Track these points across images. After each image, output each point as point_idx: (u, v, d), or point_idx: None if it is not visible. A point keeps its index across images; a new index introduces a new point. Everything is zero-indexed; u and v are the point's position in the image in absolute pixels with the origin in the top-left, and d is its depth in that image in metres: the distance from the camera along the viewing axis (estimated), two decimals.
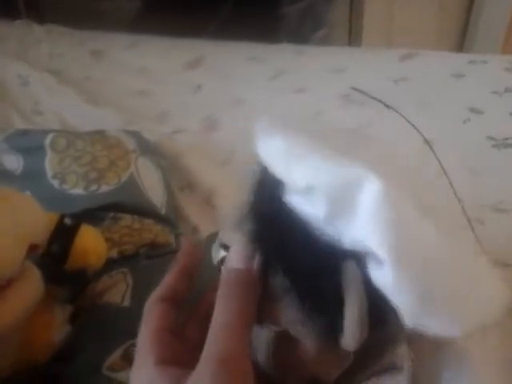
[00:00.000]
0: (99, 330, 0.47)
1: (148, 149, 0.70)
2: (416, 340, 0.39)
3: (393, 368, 0.37)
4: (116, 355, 0.44)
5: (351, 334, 0.24)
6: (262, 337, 0.29)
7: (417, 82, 0.88)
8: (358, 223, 0.23)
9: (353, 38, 1.37)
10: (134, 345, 0.44)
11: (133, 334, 0.44)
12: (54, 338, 0.45)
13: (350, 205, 0.23)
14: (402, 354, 0.39)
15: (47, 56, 1.01)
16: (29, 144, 0.64)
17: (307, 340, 0.27)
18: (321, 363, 0.29)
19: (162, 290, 0.29)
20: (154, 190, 0.64)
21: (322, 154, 0.25)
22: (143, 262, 0.54)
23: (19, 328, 0.40)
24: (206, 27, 1.28)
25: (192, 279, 0.30)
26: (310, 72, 0.94)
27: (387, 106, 0.78)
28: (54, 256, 0.44)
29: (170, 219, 0.64)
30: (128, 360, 0.44)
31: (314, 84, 0.91)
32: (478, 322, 0.23)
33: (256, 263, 0.26)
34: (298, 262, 0.25)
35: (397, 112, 0.75)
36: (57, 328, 0.45)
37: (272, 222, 0.26)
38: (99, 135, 0.66)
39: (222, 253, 0.29)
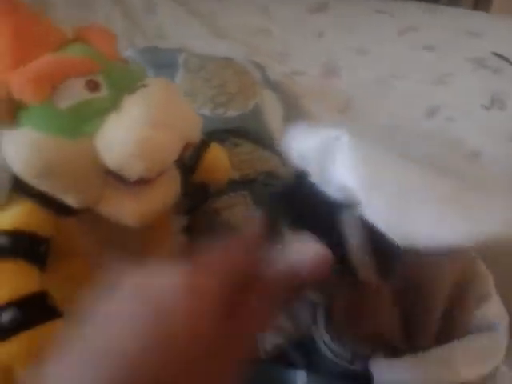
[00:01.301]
0: None
1: (271, 84, 0.69)
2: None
3: (489, 327, 0.35)
4: None
5: (358, 263, 0.29)
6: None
7: None
8: (337, 170, 0.29)
9: (480, 2, 1.26)
10: None
11: None
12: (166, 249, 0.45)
13: (331, 157, 0.30)
14: (498, 312, 0.36)
15: None
16: (162, 60, 0.65)
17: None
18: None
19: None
20: (275, 123, 0.63)
21: None
22: (262, 187, 0.54)
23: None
24: None
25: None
26: (441, 31, 0.89)
27: None
28: (184, 166, 0.44)
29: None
30: None
31: (445, 44, 0.85)
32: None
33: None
34: (317, 223, 0.30)
35: None
36: (170, 238, 0.46)
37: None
38: (228, 61, 0.66)
39: None
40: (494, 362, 0.34)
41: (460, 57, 0.82)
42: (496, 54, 0.82)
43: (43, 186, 0.32)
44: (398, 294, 0.34)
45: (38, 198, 0.33)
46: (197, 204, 0.51)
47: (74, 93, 0.31)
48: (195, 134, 0.37)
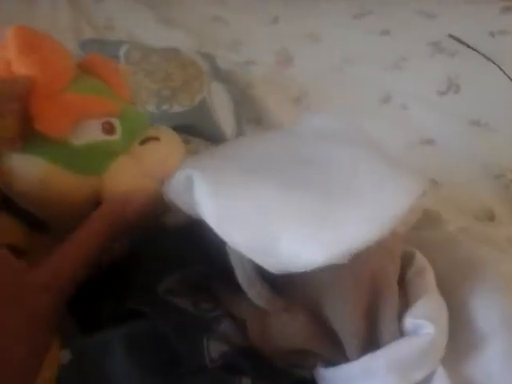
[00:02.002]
0: (156, 251, 0.45)
1: (220, 75, 0.67)
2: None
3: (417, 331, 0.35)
4: (173, 278, 0.42)
5: (247, 289, 0.34)
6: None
7: None
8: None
9: None
10: (193, 272, 0.42)
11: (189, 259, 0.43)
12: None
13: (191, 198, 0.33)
14: (431, 312, 0.36)
15: None
16: (104, 52, 0.62)
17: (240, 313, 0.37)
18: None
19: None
20: (224, 117, 0.61)
21: None
22: None
23: None
24: None
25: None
26: (397, 14, 0.87)
27: (486, 58, 0.71)
28: None
29: None
30: (185, 285, 0.42)
31: (401, 27, 0.84)
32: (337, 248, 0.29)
33: None
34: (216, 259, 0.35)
35: (495, 64, 0.68)
36: None
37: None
38: (173, 52, 0.64)
39: None
40: (426, 369, 0.33)
41: (417, 41, 0.81)
42: (452, 37, 0.81)
43: (33, 206, 0.34)
44: (311, 307, 0.34)
45: (17, 212, 0.35)
46: None
47: (91, 133, 0.33)
48: None
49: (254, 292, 0.34)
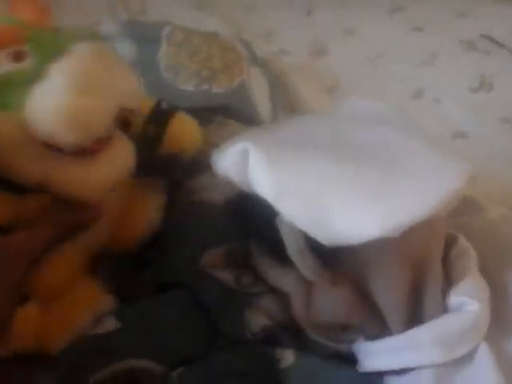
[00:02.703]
0: (199, 226, 0.46)
1: (258, 61, 0.68)
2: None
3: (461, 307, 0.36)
4: (216, 252, 0.43)
5: (298, 261, 0.35)
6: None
7: None
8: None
9: None
10: (235, 248, 0.43)
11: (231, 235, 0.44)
12: (144, 224, 0.44)
13: (245, 172, 0.34)
14: (474, 290, 0.37)
15: None
16: (145, 33, 0.63)
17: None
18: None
19: None
20: (262, 101, 0.62)
21: None
22: None
23: (113, 204, 0.40)
24: None
25: None
26: (432, 12, 0.88)
27: None
28: (148, 138, 0.43)
29: None
30: (228, 260, 0.43)
31: (435, 24, 0.84)
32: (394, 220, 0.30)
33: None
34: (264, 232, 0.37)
35: None
36: (147, 214, 0.45)
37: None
38: (214, 36, 0.64)
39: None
40: (469, 344, 0.34)
41: (449, 38, 0.81)
42: (485, 36, 0.81)
43: None
44: (355, 281, 0.35)
45: None
46: (172, 184, 0.50)
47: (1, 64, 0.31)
48: (133, 101, 0.36)
49: (305, 264, 0.35)
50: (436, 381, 0.33)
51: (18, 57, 0.32)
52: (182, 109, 0.46)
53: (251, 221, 0.39)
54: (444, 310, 0.35)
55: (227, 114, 0.57)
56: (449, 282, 0.37)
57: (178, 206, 0.47)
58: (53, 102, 0.30)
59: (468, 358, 0.34)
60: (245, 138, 0.35)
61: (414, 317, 0.35)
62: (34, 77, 0.31)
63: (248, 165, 0.34)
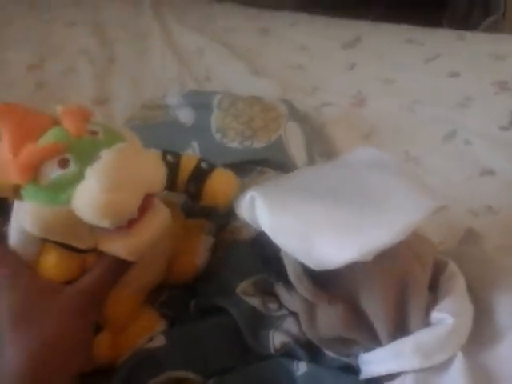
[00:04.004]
0: (234, 261, 0.55)
1: (297, 116, 0.77)
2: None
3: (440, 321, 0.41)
4: (247, 282, 0.52)
5: (296, 285, 0.44)
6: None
7: None
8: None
9: None
10: (262, 279, 0.52)
11: (259, 268, 0.53)
12: (197, 262, 0.54)
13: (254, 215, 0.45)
14: (457, 309, 0.42)
15: (222, 30, 1.14)
16: (200, 102, 0.76)
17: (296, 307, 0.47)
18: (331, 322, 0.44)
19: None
20: (297, 152, 0.71)
21: None
22: None
23: (164, 251, 0.50)
24: (369, 9, 1.32)
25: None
26: (468, 56, 0.93)
27: None
28: (190, 194, 0.52)
29: None
30: (256, 288, 0.52)
31: (470, 69, 0.90)
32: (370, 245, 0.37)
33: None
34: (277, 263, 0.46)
35: None
36: (200, 254, 0.54)
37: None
38: (257, 99, 0.76)
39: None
40: (445, 353, 0.40)
41: (483, 81, 0.86)
42: None
43: (51, 239, 0.42)
44: (349, 300, 0.42)
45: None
46: (220, 225, 0.59)
47: (50, 171, 0.40)
48: (156, 186, 0.43)
49: (302, 287, 0.43)
50: None
51: (63, 164, 0.40)
52: (226, 164, 0.56)
53: (269, 254, 0.48)
54: (427, 325, 0.42)
55: (266, 165, 0.68)
56: (437, 301, 0.43)
57: (220, 244, 0.57)
58: (89, 199, 0.38)
59: (445, 365, 0.40)
60: (255, 188, 0.45)
61: (401, 329, 0.42)
62: (76, 179, 0.39)
63: (255, 209, 0.43)
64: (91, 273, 0.43)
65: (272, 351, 0.47)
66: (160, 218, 0.44)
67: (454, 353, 0.40)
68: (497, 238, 0.55)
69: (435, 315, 0.41)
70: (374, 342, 0.43)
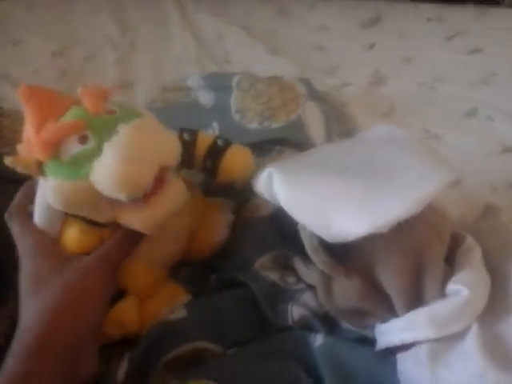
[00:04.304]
0: (253, 237, 0.56)
1: (316, 95, 0.78)
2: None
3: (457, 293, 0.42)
4: (266, 257, 0.54)
5: (313, 257, 0.45)
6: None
7: None
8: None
9: None
10: (281, 253, 0.53)
11: (278, 244, 0.54)
12: (216, 239, 0.55)
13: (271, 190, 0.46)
14: (472, 280, 0.42)
15: (240, 14, 1.14)
16: (220, 83, 0.77)
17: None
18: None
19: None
20: (316, 131, 0.72)
21: None
22: None
23: (182, 227, 0.51)
24: None
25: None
26: (489, 33, 0.92)
27: None
28: (207, 170, 0.53)
29: None
30: (275, 263, 0.53)
31: (492, 45, 0.88)
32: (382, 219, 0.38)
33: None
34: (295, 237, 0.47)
35: None
36: (219, 231, 0.56)
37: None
38: (276, 79, 0.76)
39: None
40: (459, 324, 0.40)
41: (506, 57, 0.85)
42: None
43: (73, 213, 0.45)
44: (365, 272, 0.43)
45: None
46: (239, 203, 0.60)
47: (71, 148, 0.42)
48: (171, 159, 0.44)
49: (319, 259, 0.44)
50: (429, 354, 0.39)
51: (83, 140, 0.42)
52: (245, 144, 0.57)
53: (287, 229, 0.49)
54: (443, 296, 0.42)
55: (285, 144, 0.68)
56: (453, 274, 0.44)
57: (239, 221, 0.58)
58: (106, 171, 0.40)
59: (459, 336, 0.40)
60: (272, 164, 0.46)
61: (416, 301, 0.42)
62: (95, 154, 0.41)
63: (272, 185, 0.44)
64: (107, 242, 0.45)
65: (291, 323, 0.48)
66: (175, 193, 0.45)
67: (469, 323, 0.40)
68: None
69: (451, 287, 0.42)
70: (390, 313, 0.44)
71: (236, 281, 0.52)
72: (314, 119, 0.73)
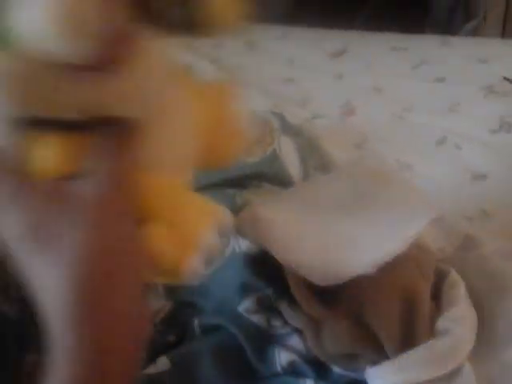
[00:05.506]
0: (236, 277, 0.52)
1: (289, 129, 0.78)
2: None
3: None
4: (250, 299, 0.51)
5: (301, 302, 0.45)
6: None
7: None
8: None
9: (507, 30, 1.31)
10: (265, 295, 0.51)
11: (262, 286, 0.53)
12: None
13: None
14: (460, 316, 0.43)
15: (209, 46, 1.14)
16: None
17: None
18: None
19: None
20: (292, 165, 0.72)
21: None
22: None
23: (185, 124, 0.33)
24: (355, 18, 1.33)
25: None
26: (453, 62, 0.95)
27: None
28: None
29: None
30: (260, 305, 0.50)
31: (456, 74, 0.91)
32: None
33: None
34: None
35: None
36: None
37: None
38: (250, 114, 0.76)
39: None
40: (451, 363, 0.40)
41: (469, 85, 0.88)
42: (506, 79, 0.87)
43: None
44: (355, 316, 0.42)
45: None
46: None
47: None
48: None
49: (307, 304, 0.43)
50: None
51: None
52: (223, 179, 0.55)
53: (272, 272, 0.48)
54: (433, 335, 0.42)
55: (263, 179, 0.68)
56: (440, 310, 0.44)
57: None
58: (40, 11, 0.25)
59: (452, 375, 0.40)
60: (256, 204, 0.45)
61: (406, 341, 0.42)
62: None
63: (258, 225, 0.43)
64: (101, 161, 0.31)
65: (279, 370, 0.47)
66: (154, 59, 0.32)
67: (461, 363, 0.40)
68: (493, 241, 0.56)
69: (441, 325, 0.42)
70: (381, 355, 0.43)
71: (219, 326, 0.51)
72: (289, 154, 0.73)
